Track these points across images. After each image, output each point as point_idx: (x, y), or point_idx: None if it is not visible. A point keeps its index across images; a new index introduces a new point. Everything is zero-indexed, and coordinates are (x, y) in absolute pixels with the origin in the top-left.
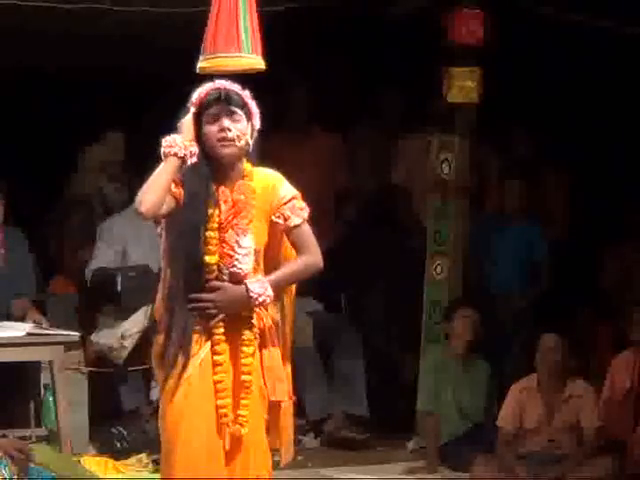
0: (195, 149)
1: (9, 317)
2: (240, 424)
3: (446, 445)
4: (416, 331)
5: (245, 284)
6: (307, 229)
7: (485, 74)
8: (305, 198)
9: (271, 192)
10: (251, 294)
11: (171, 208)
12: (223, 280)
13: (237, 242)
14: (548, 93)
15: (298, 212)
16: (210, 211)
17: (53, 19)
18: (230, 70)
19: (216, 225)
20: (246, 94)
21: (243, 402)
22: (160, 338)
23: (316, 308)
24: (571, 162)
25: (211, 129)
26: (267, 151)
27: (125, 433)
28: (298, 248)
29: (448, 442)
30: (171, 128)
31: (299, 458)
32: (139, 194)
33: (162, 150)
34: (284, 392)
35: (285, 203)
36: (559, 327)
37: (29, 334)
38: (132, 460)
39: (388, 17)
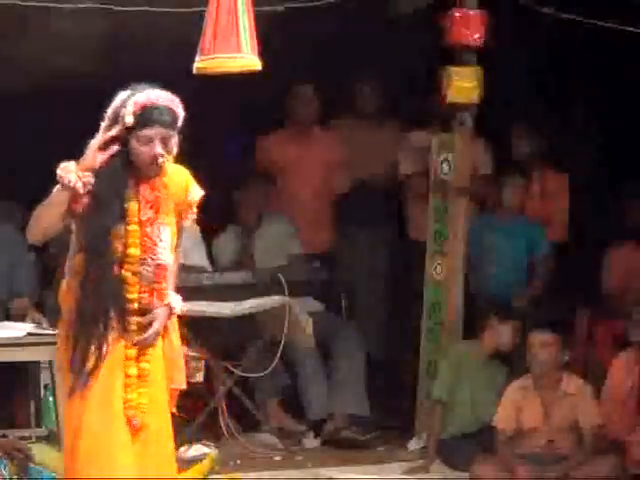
0: (90, 179)
1: (9, 317)
2: (142, 411)
3: (447, 443)
4: (416, 331)
5: (170, 304)
6: None
7: (485, 74)
8: (306, 199)
9: (184, 189)
10: (174, 311)
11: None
12: (148, 272)
13: (159, 236)
14: (548, 93)
15: (192, 216)
16: (132, 206)
17: (53, 19)
18: (228, 71)
19: (137, 219)
20: (176, 103)
21: (142, 390)
22: (66, 326)
23: (316, 308)
24: (571, 162)
25: (143, 151)
26: (269, 149)
27: None
28: (176, 246)
29: (449, 440)
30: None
31: (299, 458)
32: (31, 220)
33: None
34: (182, 381)
35: (191, 206)
36: (559, 326)
37: (29, 334)
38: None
39: (388, 17)
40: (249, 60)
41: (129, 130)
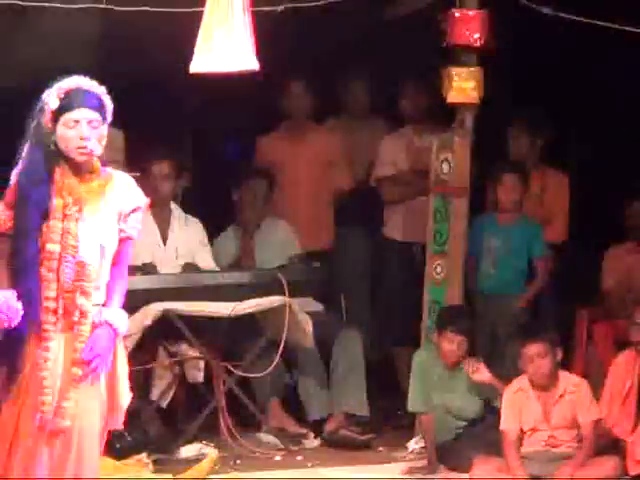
0: (10, 223)
1: None
2: (61, 416)
3: (445, 445)
4: (416, 331)
5: (108, 322)
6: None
7: (485, 74)
8: (304, 198)
9: (124, 194)
10: (119, 332)
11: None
12: (68, 270)
13: (84, 233)
14: (548, 93)
15: (137, 225)
16: (56, 201)
17: (53, 18)
18: (224, 70)
19: (60, 215)
20: (103, 91)
21: (68, 395)
22: None
23: (316, 308)
24: (571, 162)
25: (70, 134)
26: (265, 150)
27: (125, 433)
28: (121, 260)
29: (447, 442)
30: (169, 127)
31: (299, 458)
32: None
33: None
34: (126, 400)
35: (134, 210)
36: (558, 327)
37: None
38: (132, 460)
39: (388, 17)
40: (247, 60)
41: (55, 118)
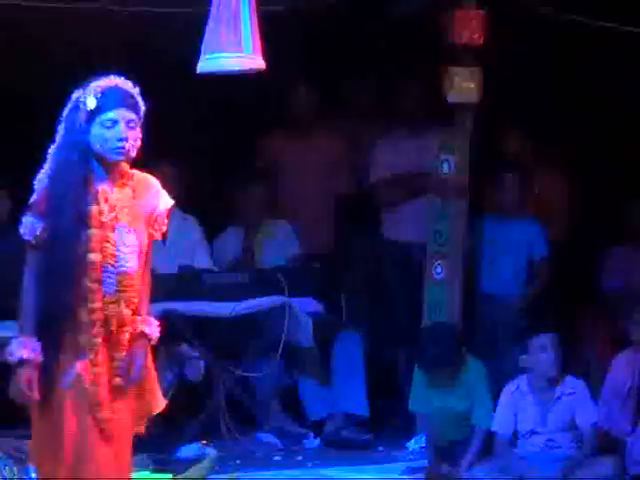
0: (45, 235)
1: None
2: (114, 425)
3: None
4: (416, 331)
5: (145, 332)
6: None
7: (485, 74)
8: (305, 199)
9: (154, 196)
10: (152, 340)
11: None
12: (110, 280)
13: (122, 241)
14: (548, 93)
15: (163, 227)
16: (92, 209)
17: (53, 18)
18: (232, 71)
19: (97, 223)
20: (137, 91)
21: (116, 405)
22: None
23: (316, 308)
24: (571, 162)
25: (107, 135)
26: (268, 152)
27: None
28: (147, 264)
29: (447, 442)
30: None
31: (299, 458)
32: None
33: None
34: (160, 404)
35: (161, 215)
36: (558, 327)
37: None
38: (132, 460)
39: (388, 17)
40: (254, 60)
41: (90, 118)
